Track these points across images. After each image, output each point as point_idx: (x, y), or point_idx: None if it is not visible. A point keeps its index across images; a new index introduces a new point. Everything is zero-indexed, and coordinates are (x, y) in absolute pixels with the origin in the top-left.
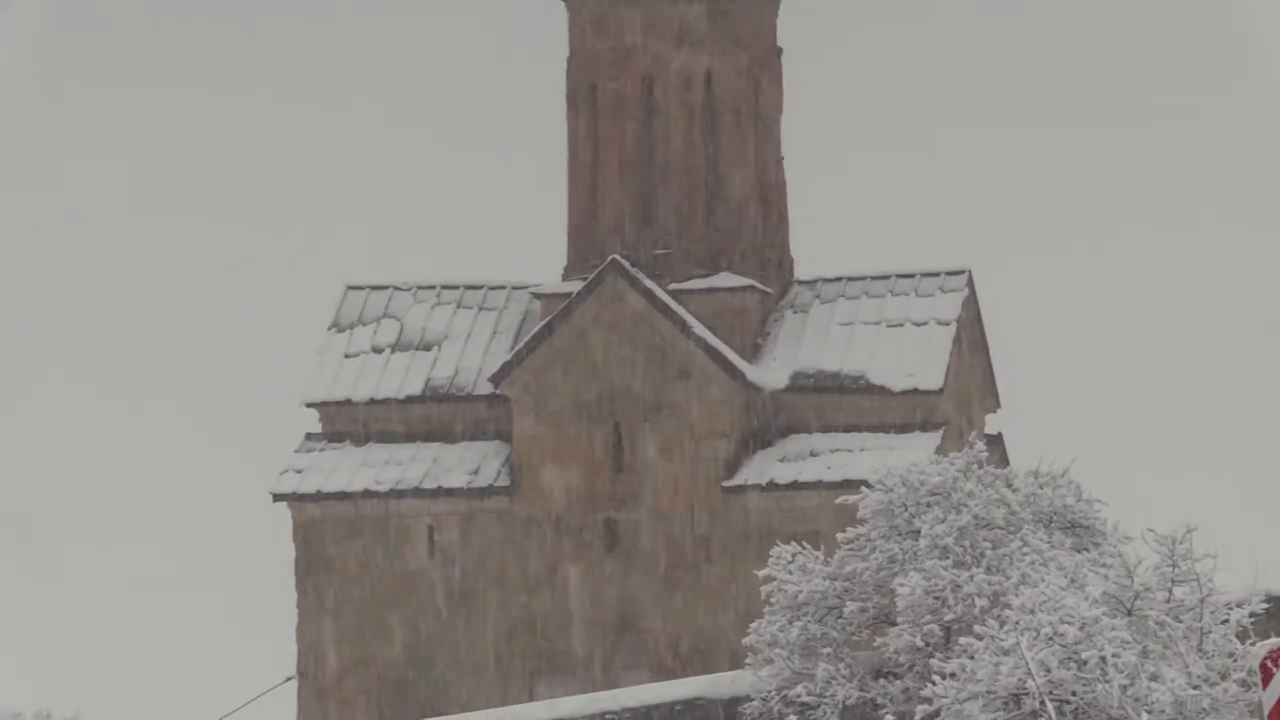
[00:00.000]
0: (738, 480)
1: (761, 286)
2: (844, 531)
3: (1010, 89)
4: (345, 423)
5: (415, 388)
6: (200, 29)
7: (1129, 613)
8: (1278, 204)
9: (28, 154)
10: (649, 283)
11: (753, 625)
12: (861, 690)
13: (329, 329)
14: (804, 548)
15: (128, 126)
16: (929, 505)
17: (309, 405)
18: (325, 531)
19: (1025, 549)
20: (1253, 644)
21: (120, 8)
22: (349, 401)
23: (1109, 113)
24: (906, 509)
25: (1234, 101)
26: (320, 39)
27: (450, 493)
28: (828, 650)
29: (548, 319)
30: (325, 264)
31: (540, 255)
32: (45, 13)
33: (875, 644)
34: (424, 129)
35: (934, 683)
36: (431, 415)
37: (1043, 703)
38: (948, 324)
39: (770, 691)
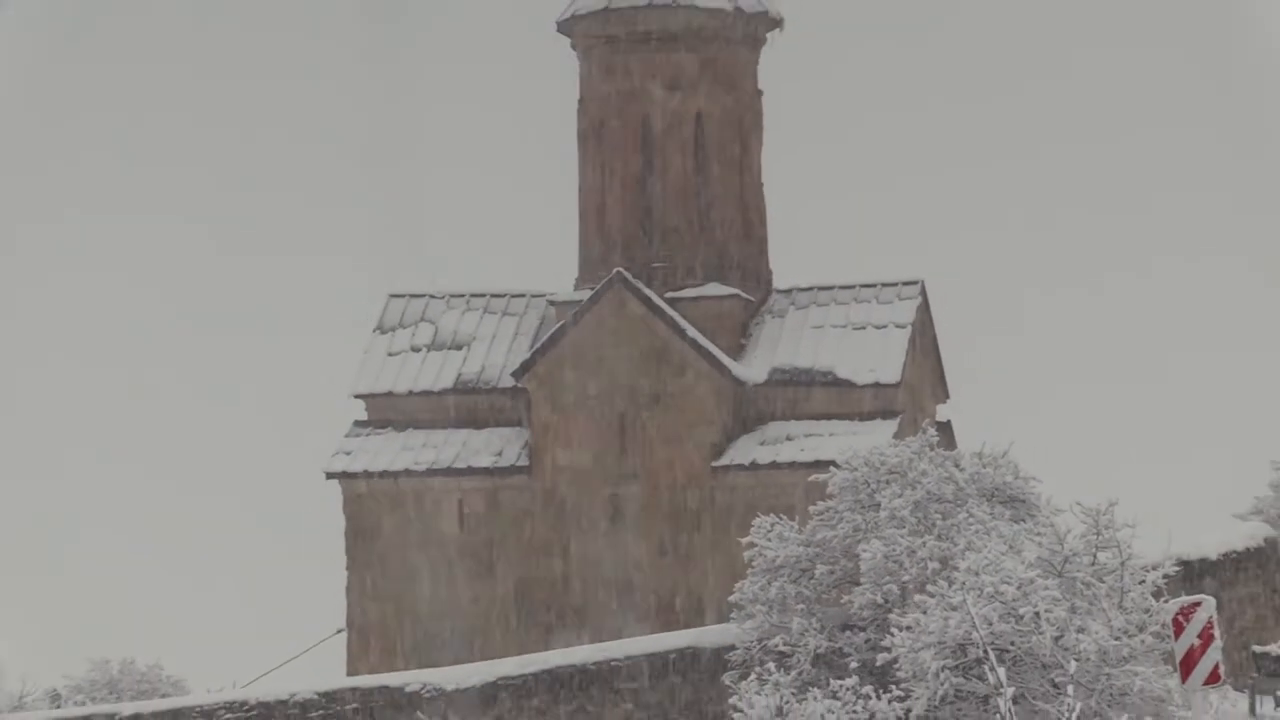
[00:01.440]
0: (724, 461)
1: (744, 295)
2: (815, 505)
3: (949, 126)
4: (388, 412)
5: (448, 382)
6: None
7: (1059, 574)
8: (1202, 206)
9: (94, 156)
10: (648, 292)
11: (737, 585)
12: (830, 641)
13: (374, 331)
14: (781, 519)
15: (196, 139)
16: (888, 482)
17: (357, 396)
18: (371, 505)
19: (971, 520)
20: (1166, 601)
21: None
22: (391, 393)
23: (1046, 132)
24: (869, 485)
25: (1162, 102)
26: (366, 79)
27: (477, 472)
28: (801, 607)
29: (561, 323)
30: (370, 275)
31: (555, 268)
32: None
33: (842, 601)
34: (457, 160)
35: (892, 634)
36: (462, 405)
37: (986, 652)
38: (904, 327)
39: (752, 642)
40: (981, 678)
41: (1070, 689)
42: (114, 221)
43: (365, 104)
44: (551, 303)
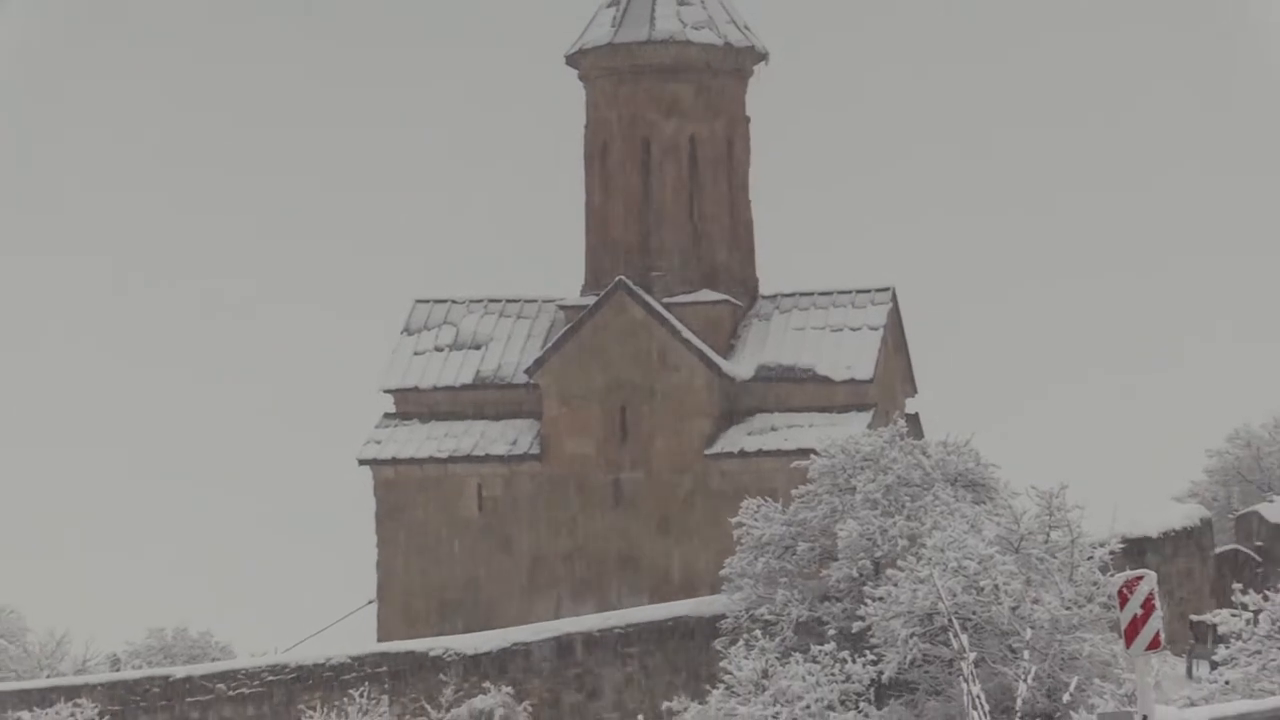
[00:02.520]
0: (715, 449)
1: (734, 300)
2: (797, 489)
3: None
4: (414, 405)
5: (468, 378)
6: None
7: (1016, 551)
8: (1147, 217)
9: (138, 160)
10: (647, 297)
11: (727, 560)
12: (810, 610)
13: (401, 333)
14: (766, 501)
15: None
16: (862, 468)
17: (386, 391)
18: (398, 488)
19: (936, 502)
20: (1111, 575)
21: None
22: (417, 389)
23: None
24: (845, 471)
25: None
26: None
27: (494, 459)
28: (784, 580)
29: (570, 325)
30: (399, 282)
31: (563, 276)
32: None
33: (821, 575)
34: (475, 179)
35: (866, 605)
36: (480, 399)
37: (950, 620)
38: (876, 329)
39: (741, 611)
40: (946, 643)
41: (1026, 654)
42: (156, 218)
43: (391, 131)
44: (561, 307)
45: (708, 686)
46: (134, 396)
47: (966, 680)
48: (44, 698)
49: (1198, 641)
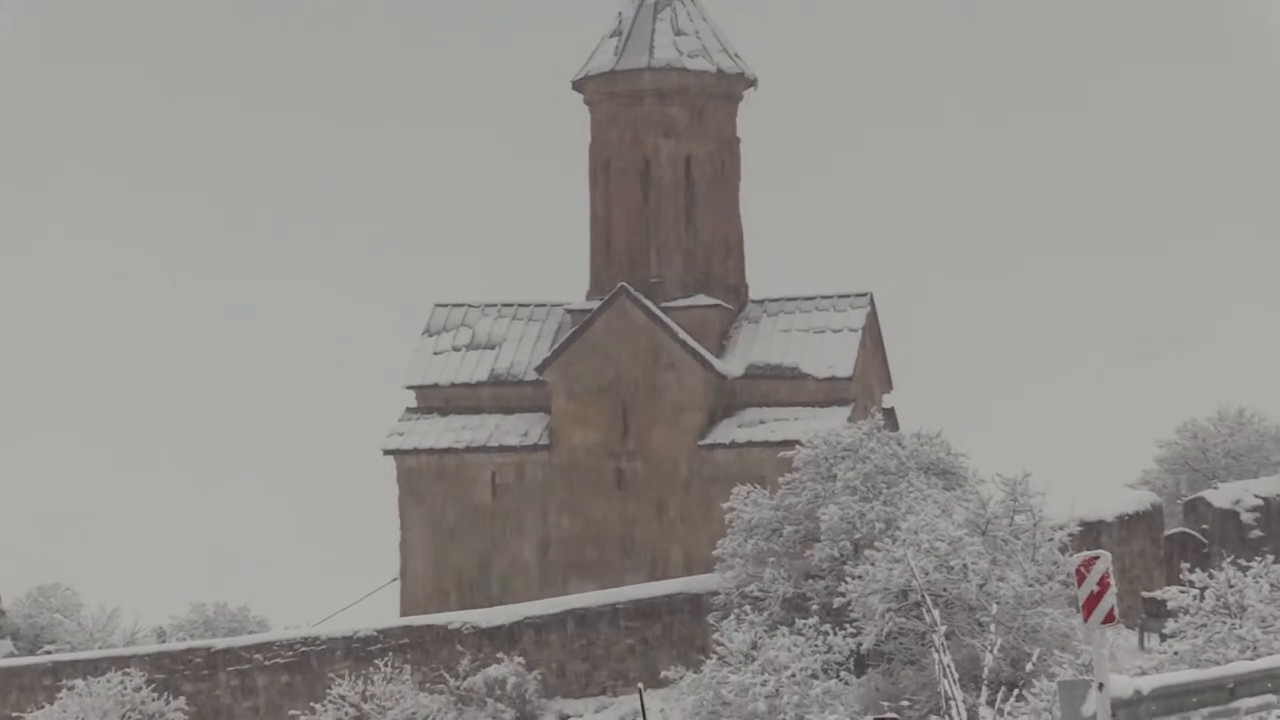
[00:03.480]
0: (709, 440)
1: (725, 305)
2: (783, 476)
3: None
4: (434, 400)
5: (483, 375)
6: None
7: (983, 533)
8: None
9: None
10: (647, 302)
11: (719, 542)
12: (795, 587)
13: (422, 334)
14: (755, 488)
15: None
16: (843, 457)
17: (408, 387)
18: (420, 476)
19: (910, 488)
20: (1070, 555)
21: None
22: (436, 385)
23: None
24: (827, 460)
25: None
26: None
27: (507, 449)
28: (772, 559)
29: (576, 327)
30: (420, 288)
31: (570, 282)
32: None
33: (805, 555)
34: (490, 196)
35: (847, 582)
36: (494, 395)
37: (923, 596)
38: (855, 331)
39: (732, 588)
40: (919, 618)
41: (992, 627)
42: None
43: (414, 152)
44: (568, 311)
45: (701, 657)
46: (178, 391)
47: (938, 651)
48: (96, 667)
49: (1149, 616)
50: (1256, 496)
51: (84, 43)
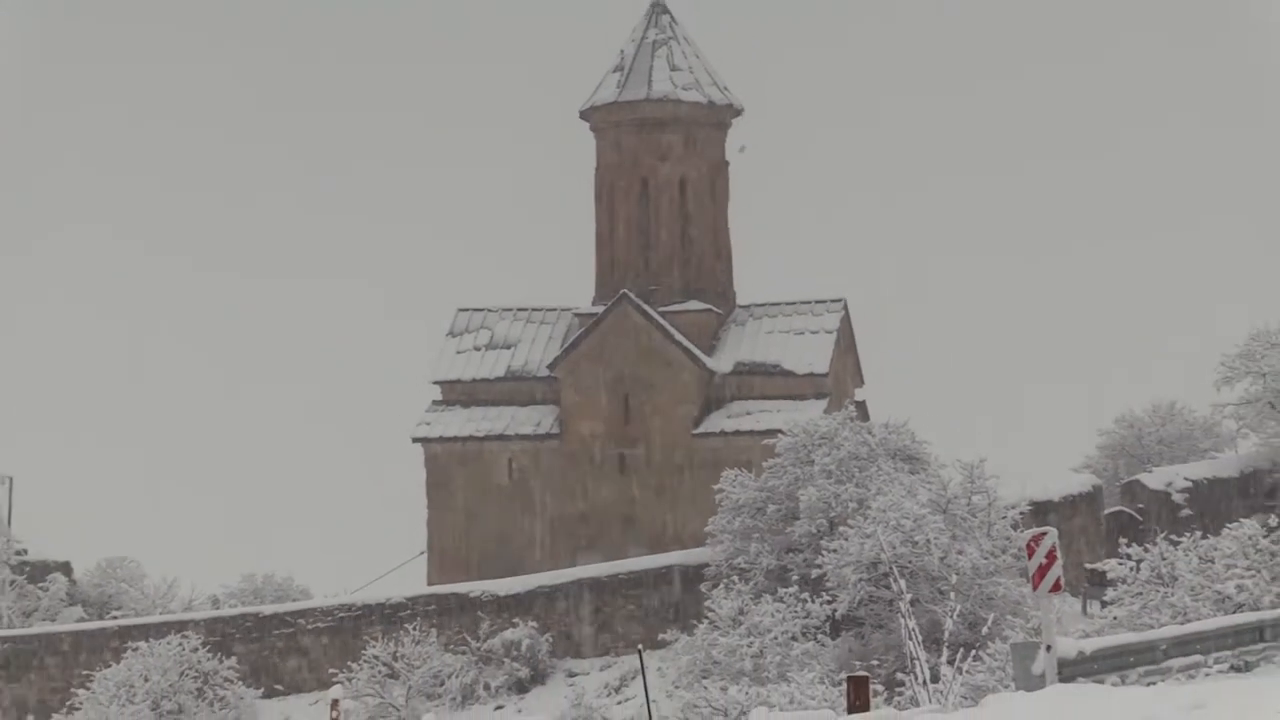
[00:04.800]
0: (701, 430)
1: (716, 309)
2: (767, 461)
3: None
4: (457, 394)
5: (500, 372)
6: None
7: (944, 512)
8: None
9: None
10: (645, 307)
11: (710, 519)
12: (778, 560)
13: (446, 335)
14: (742, 471)
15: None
16: (819, 444)
17: (434, 382)
18: (444, 461)
19: (879, 472)
20: (1021, 531)
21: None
22: (459, 380)
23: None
24: (806, 447)
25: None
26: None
27: (522, 437)
28: (757, 535)
29: (583, 329)
30: (445, 294)
31: (577, 289)
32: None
33: (786, 531)
34: (506, 213)
35: (823, 555)
36: (510, 389)
37: (891, 568)
38: (831, 332)
39: (721, 561)
40: (888, 587)
41: (952, 595)
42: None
43: (437, 173)
44: (576, 314)
45: (694, 621)
46: (233, 386)
47: (904, 616)
48: (158, 631)
49: (1091, 585)
50: (1186, 479)
51: (122, 41)
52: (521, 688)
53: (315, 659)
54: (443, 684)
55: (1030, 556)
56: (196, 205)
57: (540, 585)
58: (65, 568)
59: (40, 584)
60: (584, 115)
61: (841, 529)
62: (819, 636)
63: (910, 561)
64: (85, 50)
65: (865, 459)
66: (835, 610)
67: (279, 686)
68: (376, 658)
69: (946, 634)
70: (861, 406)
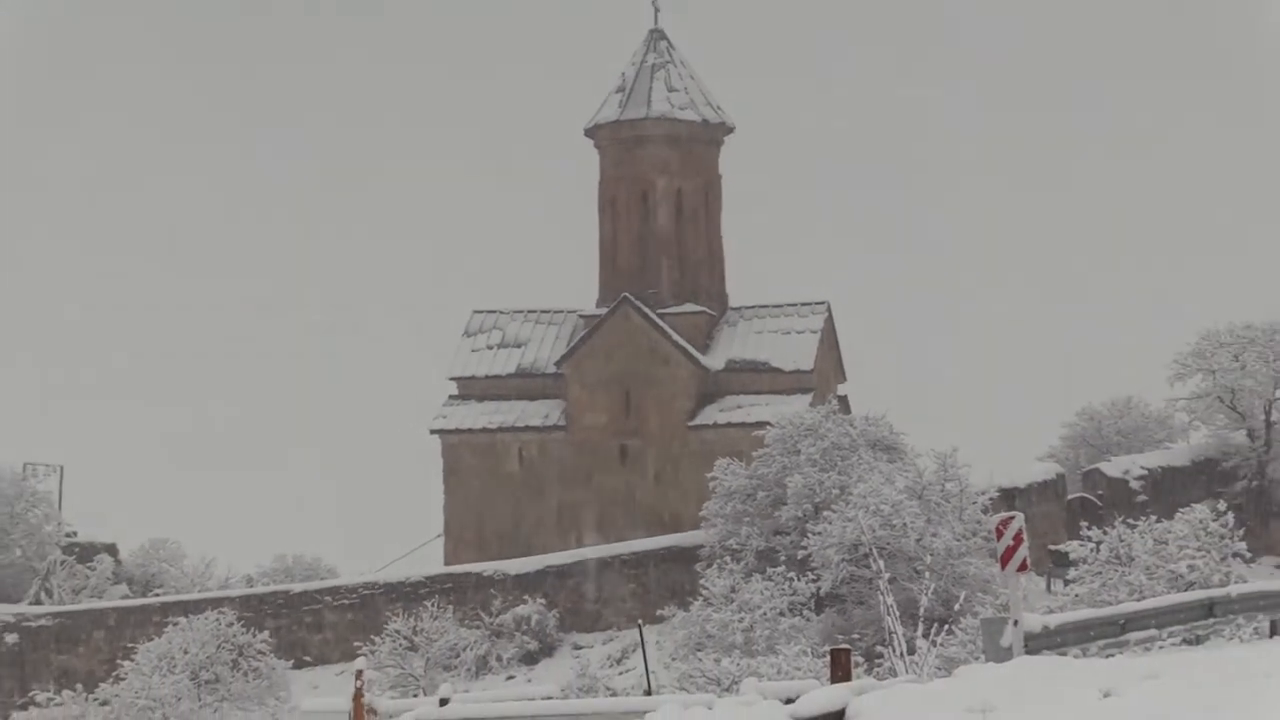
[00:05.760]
0: (696, 422)
1: (710, 311)
2: (757, 451)
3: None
4: (472, 389)
5: (511, 369)
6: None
7: (919, 497)
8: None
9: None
10: (645, 309)
11: (705, 504)
12: (767, 542)
13: (462, 335)
14: (734, 460)
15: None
16: (805, 436)
17: (451, 379)
18: (460, 451)
19: (860, 461)
20: (990, 515)
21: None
22: (474, 377)
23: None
24: (792, 438)
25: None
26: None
27: (531, 429)
28: (747, 519)
29: (588, 330)
30: (460, 298)
31: (582, 293)
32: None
33: (774, 515)
34: (518, 223)
35: (808, 537)
36: (521, 385)
37: (870, 549)
38: (815, 332)
39: (715, 543)
40: (867, 566)
41: (927, 574)
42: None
43: (456, 191)
44: (581, 316)
45: (690, 598)
46: (268, 383)
47: (882, 594)
48: (196, 607)
49: (1054, 565)
50: (1142, 468)
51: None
52: (531, 659)
53: (341, 633)
54: (458, 656)
55: (999, 538)
56: (232, 214)
57: (548, 565)
58: (112, 549)
59: (89, 564)
60: (589, 133)
61: (825, 513)
62: (804, 612)
63: (888, 543)
64: (101, 52)
65: (847, 449)
66: (819, 588)
67: (307, 658)
68: (398, 632)
69: (922, 610)
70: (843, 400)
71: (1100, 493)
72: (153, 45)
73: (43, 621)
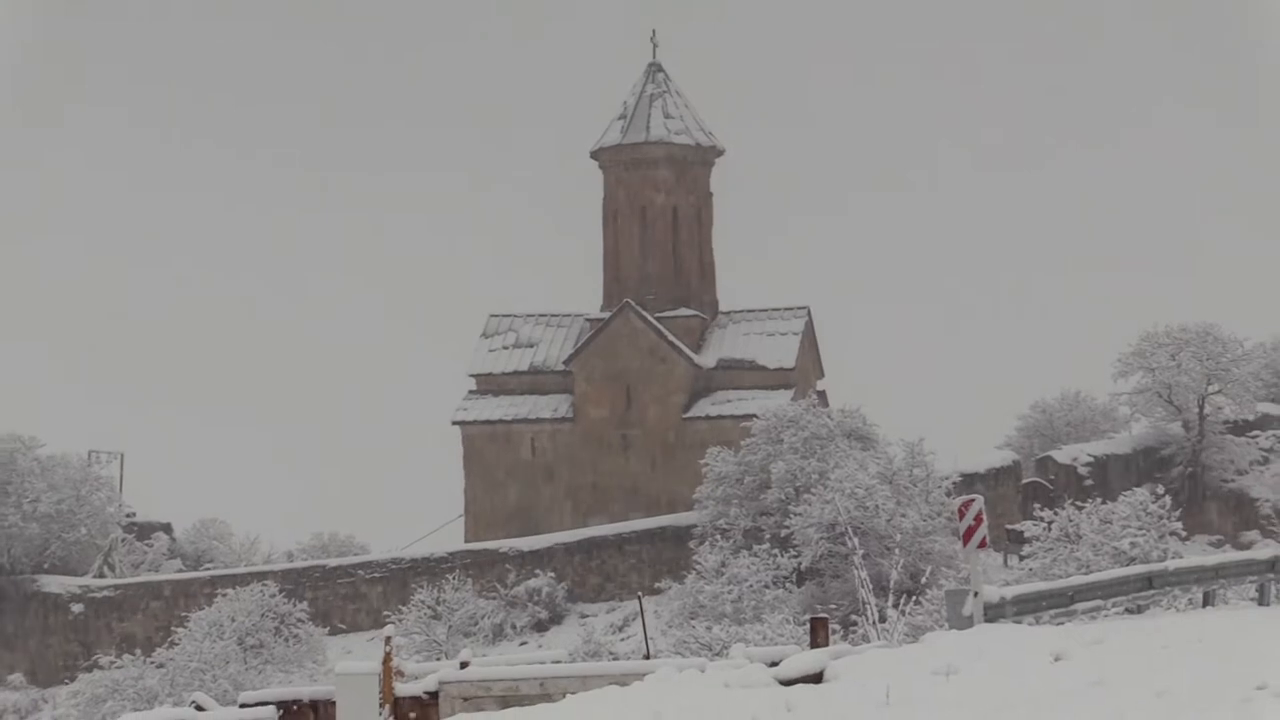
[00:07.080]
0: (690, 414)
1: (702, 315)
2: (744, 440)
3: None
4: (489, 385)
5: (524, 366)
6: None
7: (890, 482)
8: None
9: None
10: (644, 313)
11: (698, 488)
12: (753, 522)
13: (480, 336)
14: (724, 448)
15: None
16: (788, 426)
17: (470, 375)
18: (479, 441)
19: (837, 449)
20: (953, 498)
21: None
22: (491, 373)
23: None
24: (776, 429)
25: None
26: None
27: (543, 420)
28: (735, 501)
29: (593, 331)
30: (478, 302)
31: (588, 298)
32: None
33: (760, 498)
34: (529, 236)
35: (790, 517)
36: (533, 381)
37: (846, 528)
38: (797, 333)
39: (707, 522)
40: (843, 544)
41: (896, 551)
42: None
43: (473, 205)
44: (586, 319)
45: (684, 573)
46: (304, 383)
47: (857, 568)
48: (242, 580)
49: (1011, 543)
50: (1089, 455)
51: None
52: (542, 627)
53: (372, 604)
54: (477, 624)
55: (961, 519)
56: (283, 220)
57: (558, 542)
58: (167, 528)
59: (146, 541)
60: (594, 155)
61: (805, 496)
62: (787, 585)
63: (862, 523)
64: (118, 53)
65: (825, 438)
66: (800, 563)
67: (341, 625)
68: (423, 602)
69: (892, 583)
70: (822, 395)
71: (1051, 478)
72: (153, 46)
73: (105, 593)
